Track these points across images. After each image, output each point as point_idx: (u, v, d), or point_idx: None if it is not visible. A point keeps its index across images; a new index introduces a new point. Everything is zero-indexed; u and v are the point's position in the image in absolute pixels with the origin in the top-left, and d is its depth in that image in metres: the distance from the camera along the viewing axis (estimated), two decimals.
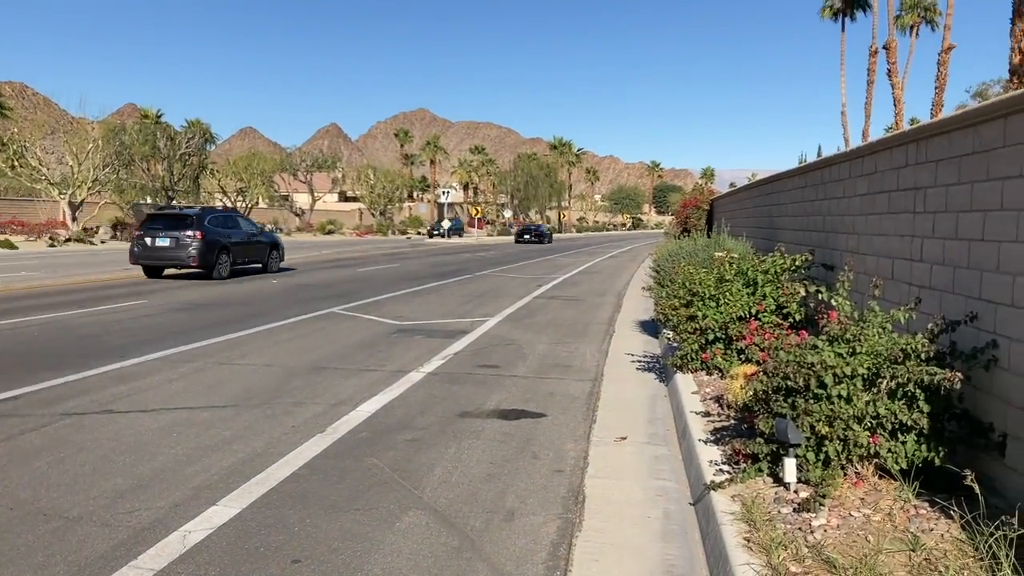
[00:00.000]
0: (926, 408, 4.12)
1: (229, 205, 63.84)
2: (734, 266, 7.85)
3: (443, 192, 71.73)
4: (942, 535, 3.59)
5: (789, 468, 4.20)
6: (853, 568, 3.23)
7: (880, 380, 4.21)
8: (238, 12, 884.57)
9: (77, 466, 5.06)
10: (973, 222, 4.45)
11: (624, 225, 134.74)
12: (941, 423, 4.20)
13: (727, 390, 5.95)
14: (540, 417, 6.50)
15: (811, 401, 4.28)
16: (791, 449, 4.20)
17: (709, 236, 15.72)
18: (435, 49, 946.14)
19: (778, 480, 4.33)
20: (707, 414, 5.95)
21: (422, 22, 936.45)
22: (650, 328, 11.53)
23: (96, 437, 5.70)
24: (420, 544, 3.93)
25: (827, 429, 4.18)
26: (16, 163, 44.13)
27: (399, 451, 5.48)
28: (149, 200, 55.27)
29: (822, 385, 4.27)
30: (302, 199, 76.96)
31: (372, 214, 78.34)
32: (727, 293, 7.52)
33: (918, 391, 4.12)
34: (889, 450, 4.17)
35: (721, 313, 7.38)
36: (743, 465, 4.52)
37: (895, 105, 40.17)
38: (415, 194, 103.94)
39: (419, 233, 72.93)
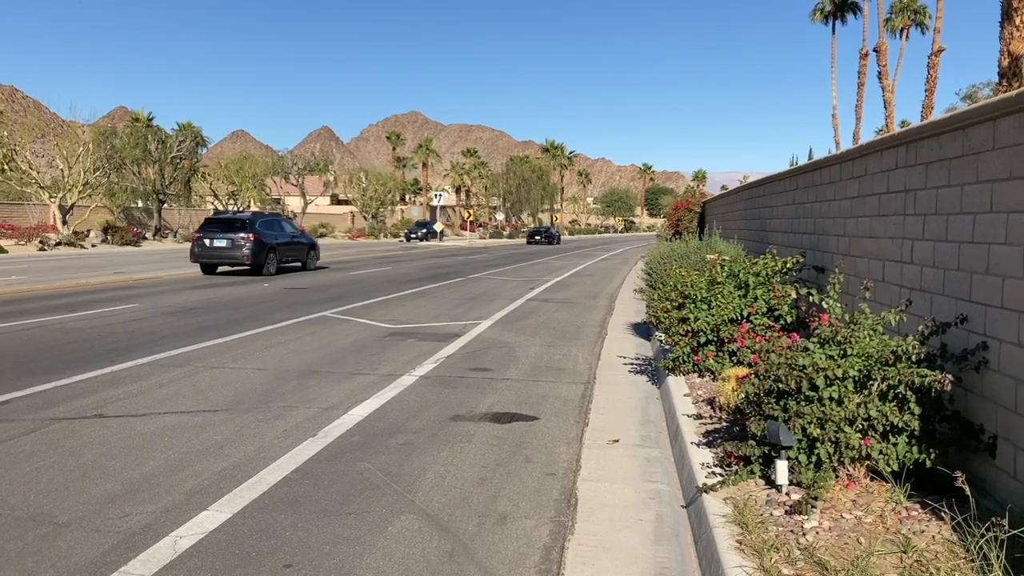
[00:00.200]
0: (917, 410, 4.13)
1: (220, 208, 63.75)
2: (726, 268, 7.86)
3: (436, 195, 71.55)
4: (933, 537, 3.60)
5: (781, 470, 4.20)
6: (845, 570, 3.24)
7: (871, 382, 4.22)
8: (229, 16, 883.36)
9: (67, 471, 5.03)
10: (963, 224, 4.47)
11: (613, 228, 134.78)
12: (932, 425, 4.21)
13: (719, 392, 5.95)
14: (533, 420, 6.49)
15: (803, 403, 4.29)
16: (783, 451, 4.20)
17: (701, 239, 15.75)
18: (427, 52, 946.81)
19: (770, 482, 4.33)
20: (699, 416, 5.95)
21: (414, 25, 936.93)
22: (642, 331, 11.54)
23: (86, 442, 5.67)
24: (412, 548, 3.92)
25: (819, 431, 4.19)
26: (6, 166, 43.86)
27: (391, 455, 5.47)
28: (140, 204, 55.16)
29: (813, 387, 4.28)
30: (294, 202, 76.81)
31: (364, 217, 78.22)
32: (719, 295, 7.53)
33: (909, 393, 4.13)
34: (881, 452, 4.19)
35: (713, 315, 7.40)
36: (735, 467, 4.52)
37: (885, 107, 40.39)
38: (407, 197, 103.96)
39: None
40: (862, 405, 4.18)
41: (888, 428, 4.18)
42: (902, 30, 49.13)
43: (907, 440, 4.18)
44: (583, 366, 8.94)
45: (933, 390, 4.03)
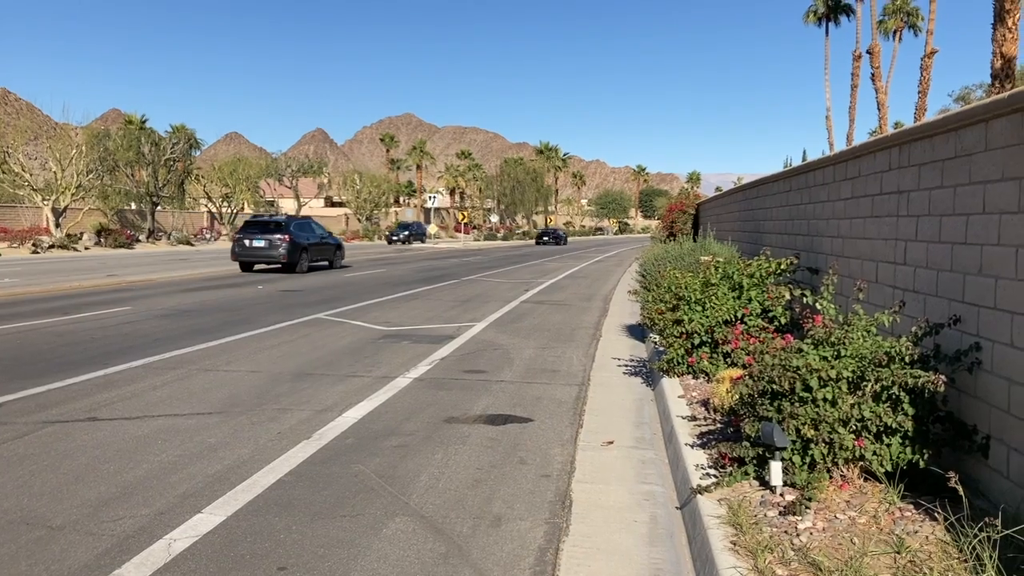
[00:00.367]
0: (911, 411, 4.14)
1: (214, 211, 63.64)
2: (720, 270, 7.88)
3: (430, 197, 71.50)
4: (927, 537, 3.61)
5: (775, 471, 4.21)
6: (839, 570, 3.24)
7: (865, 383, 4.24)
8: (223, 17, 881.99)
9: (61, 474, 5.01)
10: (956, 225, 4.49)
11: (608, 230, 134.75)
12: (926, 425, 4.22)
13: (713, 394, 5.96)
14: (527, 422, 6.49)
15: (796, 404, 4.30)
16: (777, 452, 4.21)
17: (695, 240, 15.76)
18: (421, 54, 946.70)
19: (764, 483, 4.34)
20: (693, 418, 5.96)
21: (408, 27, 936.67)
22: (637, 332, 11.55)
23: (80, 445, 5.65)
24: (407, 550, 3.92)
25: (812, 432, 4.20)
26: None
27: (385, 457, 5.46)
28: (133, 206, 55.02)
29: (807, 388, 4.29)
30: (288, 204, 76.68)
31: (358, 219, 78.14)
32: (713, 297, 7.54)
33: (903, 394, 4.15)
34: (874, 453, 4.20)
35: (707, 317, 7.41)
36: (729, 469, 4.53)
37: (879, 109, 40.55)
38: (402, 199, 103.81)
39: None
40: (856, 406, 4.19)
41: (882, 429, 4.19)
42: (895, 32, 49.29)
43: (901, 441, 4.19)
44: (577, 368, 8.94)
45: (926, 391, 4.04)
